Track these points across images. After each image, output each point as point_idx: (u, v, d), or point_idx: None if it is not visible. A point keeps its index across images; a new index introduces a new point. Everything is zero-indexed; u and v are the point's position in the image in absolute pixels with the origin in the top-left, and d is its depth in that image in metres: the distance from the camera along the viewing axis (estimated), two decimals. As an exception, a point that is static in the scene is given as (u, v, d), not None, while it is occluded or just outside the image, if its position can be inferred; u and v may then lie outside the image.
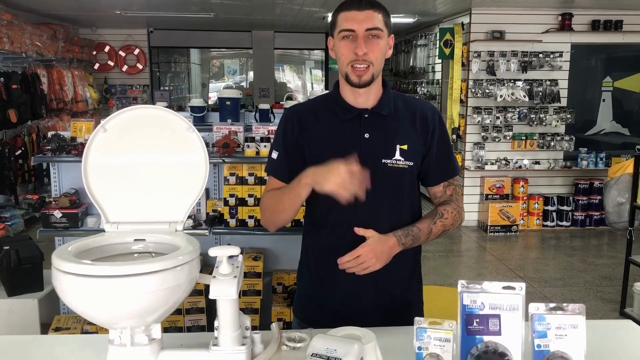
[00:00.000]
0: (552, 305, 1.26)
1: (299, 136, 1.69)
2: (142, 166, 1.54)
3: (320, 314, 1.74)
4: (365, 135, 1.65)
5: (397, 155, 1.64)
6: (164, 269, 1.25)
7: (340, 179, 1.43)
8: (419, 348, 1.29)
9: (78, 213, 3.25)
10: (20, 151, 6.29)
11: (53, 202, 3.29)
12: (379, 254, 1.56)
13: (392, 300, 1.74)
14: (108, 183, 1.53)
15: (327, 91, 1.79)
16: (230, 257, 1.37)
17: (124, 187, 1.53)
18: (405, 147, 1.65)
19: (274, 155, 1.73)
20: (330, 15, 7.41)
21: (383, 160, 1.64)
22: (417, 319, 1.31)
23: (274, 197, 1.69)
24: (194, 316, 3.32)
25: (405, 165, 1.65)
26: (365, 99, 1.66)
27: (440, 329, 1.28)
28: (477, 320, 1.27)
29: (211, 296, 1.31)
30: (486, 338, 1.26)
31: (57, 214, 3.23)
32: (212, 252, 1.35)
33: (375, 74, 1.61)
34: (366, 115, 1.66)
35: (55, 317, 3.30)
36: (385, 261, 1.58)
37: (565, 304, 1.26)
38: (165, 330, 1.40)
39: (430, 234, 1.67)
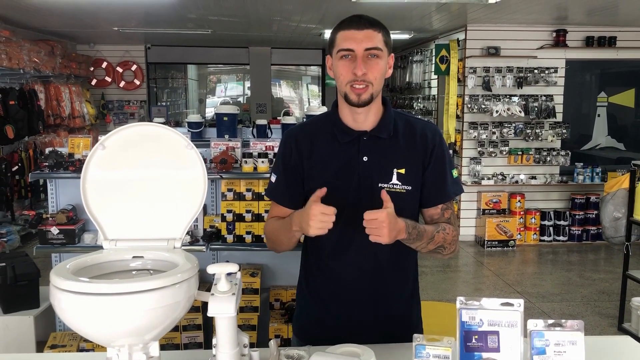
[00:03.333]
0: (550, 321, 1.26)
1: (298, 160, 1.68)
2: (141, 183, 1.54)
3: (321, 332, 1.72)
4: (364, 159, 1.62)
5: (394, 180, 1.62)
6: (162, 287, 1.25)
7: (316, 223, 1.48)
8: (418, 365, 1.29)
9: (75, 229, 3.24)
10: (17, 167, 6.28)
11: (50, 219, 3.27)
12: (391, 227, 1.47)
13: (392, 320, 1.72)
14: (107, 200, 1.53)
15: (324, 107, 1.78)
16: (229, 274, 1.37)
17: (122, 204, 1.53)
18: (402, 171, 1.62)
19: (273, 178, 1.74)
20: (327, 31, 7.51)
21: (380, 184, 1.62)
22: (415, 335, 1.31)
23: (274, 230, 1.72)
24: (191, 333, 3.30)
25: (402, 189, 1.62)
26: (364, 118, 1.64)
27: (439, 345, 1.28)
28: (476, 336, 1.27)
29: (210, 314, 1.31)
30: (485, 355, 1.26)
31: (54, 230, 3.21)
32: (211, 269, 1.34)
33: (374, 94, 1.59)
34: (365, 138, 1.64)
35: (51, 335, 3.28)
36: (392, 239, 1.49)
37: (564, 320, 1.26)
38: (162, 347, 1.39)
39: (431, 240, 1.61)
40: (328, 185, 1.64)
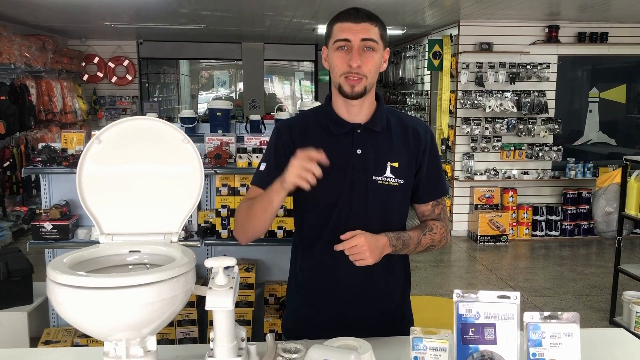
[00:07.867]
0: (546, 314, 1.27)
1: (291, 151, 1.64)
2: (137, 177, 1.53)
3: (311, 331, 1.67)
4: (358, 151, 1.63)
5: (388, 173, 1.63)
6: (159, 281, 1.25)
7: (297, 168, 1.45)
8: (415, 358, 1.29)
9: (69, 225, 3.23)
10: (8, 163, 6.24)
11: (43, 214, 3.25)
12: (373, 248, 1.52)
13: (383, 317, 1.72)
14: (103, 194, 1.52)
15: (317, 103, 1.77)
16: (226, 268, 1.37)
17: (118, 199, 1.52)
18: (396, 164, 1.64)
19: (263, 167, 1.70)
20: (320, 26, 7.50)
21: (373, 177, 1.62)
22: (412, 328, 1.31)
23: (248, 204, 1.64)
24: (185, 328, 3.30)
25: (395, 182, 1.64)
26: (358, 111, 1.64)
27: (436, 338, 1.29)
28: (473, 329, 1.28)
29: (207, 307, 1.31)
30: (482, 347, 1.27)
31: (48, 225, 3.20)
32: (208, 263, 1.34)
33: (368, 86, 1.59)
34: (359, 131, 1.64)
35: (45, 330, 3.26)
36: (377, 258, 1.54)
37: (559, 313, 1.27)
38: (156, 342, 1.39)
39: (418, 244, 1.65)
40: (320, 178, 1.64)
